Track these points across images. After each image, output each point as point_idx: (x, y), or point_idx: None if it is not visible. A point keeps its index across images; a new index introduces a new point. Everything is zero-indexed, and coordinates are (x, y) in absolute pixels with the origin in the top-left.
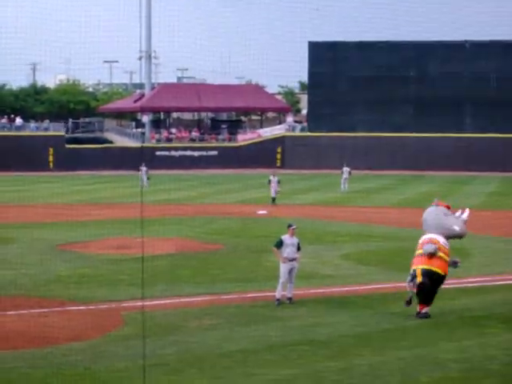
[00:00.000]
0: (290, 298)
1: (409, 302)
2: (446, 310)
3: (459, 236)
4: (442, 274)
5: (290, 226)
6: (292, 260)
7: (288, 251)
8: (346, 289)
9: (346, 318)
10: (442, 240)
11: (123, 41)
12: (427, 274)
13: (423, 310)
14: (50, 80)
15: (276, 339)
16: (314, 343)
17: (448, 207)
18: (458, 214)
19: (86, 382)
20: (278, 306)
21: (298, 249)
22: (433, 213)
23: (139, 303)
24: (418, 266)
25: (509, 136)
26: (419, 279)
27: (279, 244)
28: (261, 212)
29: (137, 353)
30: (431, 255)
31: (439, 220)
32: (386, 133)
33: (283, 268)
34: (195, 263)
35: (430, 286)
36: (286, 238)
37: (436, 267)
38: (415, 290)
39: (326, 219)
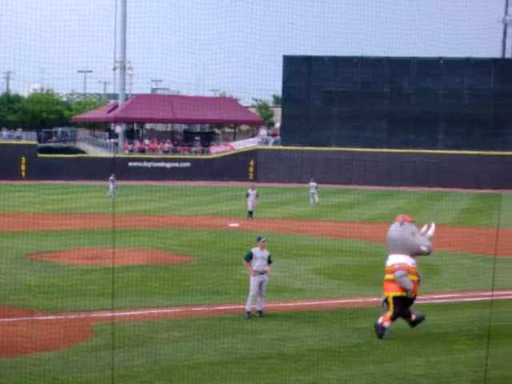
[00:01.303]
0: (260, 311)
1: (381, 335)
2: (416, 326)
3: (426, 254)
4: (413, 296)
5: (259, 238)
6: (262, 273)
7: (258, 264)
8: (317, 303)
9: (315, 332)
10: (410, 261)
11: (98, 51)
12: (400, 301)
13: (385, 324)
14: (23, 89)
15: (245, 352)
16: (283, 357)
17: (412, 221)
18: (423, 229)
19: None
20: (248, 318)
21: (269, 262)
22: (399, 232)
23: (109, 314)
24: (390, 292)
25: (482, 153)
26: (391, 309)
27: (249, 257)
28: (232, 225)
29: (106, 364)
30: None
31: (406, 240)
32: (359, 148)
33: (253, 281)
34: (166, 275)
35: (401, 313)
36: (256, 250)
37: (405, 291)
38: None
39: (297, 233)
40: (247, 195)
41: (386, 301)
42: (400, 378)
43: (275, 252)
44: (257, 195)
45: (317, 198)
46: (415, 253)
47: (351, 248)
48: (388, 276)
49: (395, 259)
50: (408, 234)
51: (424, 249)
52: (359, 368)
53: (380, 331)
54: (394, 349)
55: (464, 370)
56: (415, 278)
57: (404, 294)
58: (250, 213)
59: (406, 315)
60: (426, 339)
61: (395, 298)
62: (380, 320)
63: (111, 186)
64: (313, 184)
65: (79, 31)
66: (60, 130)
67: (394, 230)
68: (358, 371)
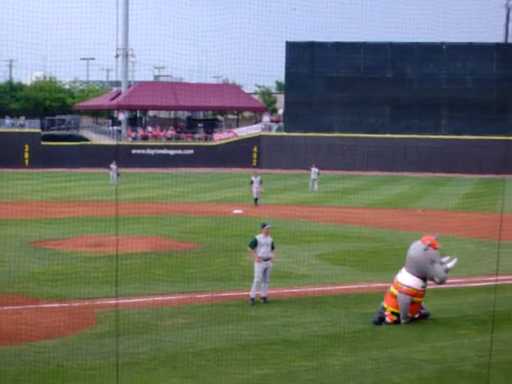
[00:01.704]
0: (264, 298)
1: (378, 323)
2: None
3: (438, 283)
4: (415, 314)
5: (264, 225)
6: (266, 259)
7: (262, 251)
8: (321, 289)
9: (319, 317)
10: (420, 284)
11: (100, 38)
12: (398, 316)
13: (387, 319)
14: (26, 77)
15: (250, 338)
16: (287, 343)
17: (437, 247)
18: (445, 259)
19: (59, 380)
20: (252, 305)
21: (272, 248)
22: (420, 256)
23: (113, 301)
24: (389, 307)
25: (485, 138)
26: (392, 317)
27: (254, 244)
28: (236, 211)
29: (110, 351)
30: None
31: (423, 265)
32: (362, 134)
33: (258, 267)
34: (170, 262)
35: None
36: (260, 237)
37: (410, 312)
38: (388, 320)
39: (301, 219)
40: (251, 182)
41: (384, 308)
42: (404, 363)
43: (279, 238)
44: (261, 182)
45: (316, 186)
46: (428, 278)
47: (355, 234)
48: (393, 290)
49: (406, 279)
50: (428, 261)
51: (437, 280)
52: (363, 353)
53: (379, 320)
54: (399, 334)
55: (468, 355)
56: (420, 299)
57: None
58: (256, 200)
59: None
60: (430, 324)
61: (393, 313)
62: (387, 313)
63: (111, 173)
64: (315, 170)
65: (81, 18)
66: (68, 117)
67: (417, 252)
68: (362, 357)
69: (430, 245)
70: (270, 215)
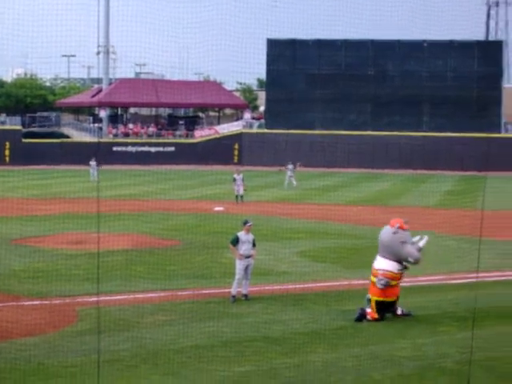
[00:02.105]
0: (245, 295)
1: (359, 320)
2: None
3: (413, 264)
4: (395, 299)
5: (245, 222)
6: (248, 257)
7: (244, 248)
8: (302, 286)
9: (300, 314)
10: (395, 268)
11: (81, 35)
12: (382, 306)
13: (368, 317)
14: (7, 74)
15: (231, 335)
16: (268, 340)
17: (406, 228)
18: (416, 238)
19: (40, 377)
20: (234, 302)
21: (254, 245)
22: (390, 238)
23: (94, 299)
24: (373, 296)
25: (466, 135)
26: (373, 313)
27: (235, 241)
28: (217, 208)
29: (91, 348)
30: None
31: (395, 248)
32: (344, 131)
33: (239, 265)
34: (151, 259)
35: (383, 316)
36: (241, 234)
37: (390, 297)
38: (369, 317)
39: (282, 216)
40: (234, 180)
41: (369, 302)
42: (386, 360)
43: (260, 236)
44: (243, 179)
45: (294, 182)
46: (402, 260)
47: (336, 231)
48: (372, 278)
49: (381, 264)
50: (398, 243)
51: (411, 260)
52: (345, 350)
53: (360, 317)
54: (380, 331)
55: (449, 352)
56: (397, 282)
57: (386, 298)
58: (238, 197)
59: (392, 311)
60: (411, 321)
61: (377, 303)
62: (368, 311)
63: (91, 170)
64: (290, 166)
65: (62, 15)
66: (49, 114)
67: (387, 235)
68: (343, 354)
69: (398, 227)
70: (251, 212)
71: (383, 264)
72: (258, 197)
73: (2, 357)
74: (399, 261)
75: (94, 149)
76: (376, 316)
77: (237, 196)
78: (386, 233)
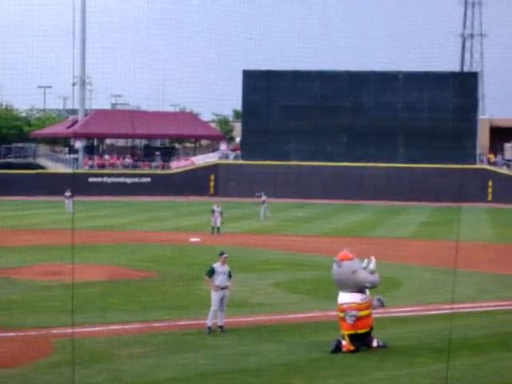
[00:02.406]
0: (221, 326)
1: (335, 352)
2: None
3: (372, 288)
4: (369, 328)
5: (221, 254)
6: (223, 288)
7: (219, 279)
8: (277, 317)
9: (276, 346)
10: (359, 297)
11: (57, 66)
12: (356, 338)
13: (344, 349)
14: None
15: (207, 367)
16: (244, 371)
17: (351, 258)
18: (364, 264)
19: None
20: (209, 334)
21: (229, 276)
22: (338, 273)
23: (69, 330)
24: (345, 331)
25: (441, 166)
26: (348, 344)
27: (211, 272)
28: (193, 239)
29: (66, 380)
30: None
31: (348, 280)
32: (319, 162)
33: (214, 296)
34: (127, 290)
35: (359, 347)
36: (217, 266)
37: (362, 328)
38: (345, 350)
39: (258, 247)
40: (212, 211)
41: (343, 338)
42: None
43: (236, 267)
44: (221, 212)
45: (267, 212)
46: (361, 288)
47: (311, 262)
48: (340, 314)
49: (344, 298)
50: (348, 274)
51: (368, 285)
52: (321, 382)
53: (336, 349)
54: (356, 363)
55: (425, 383)
56: (367, 312)
57: (358, 331)
58: (215, 228)
59: (367, 343)
60: (386, 353)
61: (350, 336)
62: (344, 343)
63: (66, 201)
64: (264, 198)
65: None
66: (25, 145)
67: (335, 271)
68: None
69: (341, 259)
70: (227, 243)
71: (346, 298)
72: (233, 228)
73: None
74: (360, 290)
75: (69, 180)
76: (351, 348)
77: (213, 228)
78: (334, 270)
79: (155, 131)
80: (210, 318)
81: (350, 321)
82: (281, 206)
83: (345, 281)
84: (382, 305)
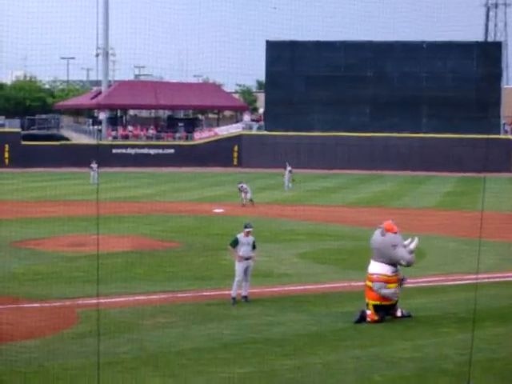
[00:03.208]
0: (245, 297)
1: (359, 322)
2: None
3: (406, 266)
4: (394, 302)
5: (245, 226)
6: (247, 259)
7: (243, 250)
8: (302, 287)
9: (300, 316)
10: (390, 270)
11: (80, 37)
12: (379, 309)
13: (368, 319)
14: (6, 76)
15: (231, 337)
16: (268, 341)
17: (395, 231)
18: (407, 242)
19: (40, 380)
20: (234, 304)
21: (254, 247)
22: (380, 242)
23: (94, 301)
24: (370, 300)
25: (465, 136)
26: (373, 314)
27: (235, 242)
28: (217, 210)
29: (91, 351)
30: None
31: (387, 251)
32: (343, 132)
33: (238, 266)
34: (151, 261)
35: (383, 318)
36: (241, 236)
37: (387, 300)
38: (369, 319)
39: (282, 218)
40: (240, 190)
41: (367, 307)
42: (386, 362)
43: (260, 237)
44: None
45: (290, 184)
46: (395, 263)
47: (336, 232)
48: (367, 283)
49: (375, 268)
50: (389, 246)
51: (403, 263)
52: (345, 352)
53: (360, 319)
54: (380, 333)
55: (449, 353)
56: (395, 285)
57: (383, 302)
58: (245, 200)
59: (391, 313)
60: (411, 323)
61: (375, 306)
62: (368, 313)
63: (92, 173)
64: (288, 168)
65: (62, 18)
66: (49, 117)
67: (376, 239)
68: (343, 355)
69: (386, 230)
70: (251, 214)
71: (376, 268)
72: (258, 199)
73: (2, 359)
74: (392, 264)
75: (93, 151)
76: (376, 318)
77: (244, 200)
78: (376, 237)
79: (178, 102)
80: (234, 289)
81: (381, 293)
82: (305, 176)
83: (383, 251)
84: (402, 283)
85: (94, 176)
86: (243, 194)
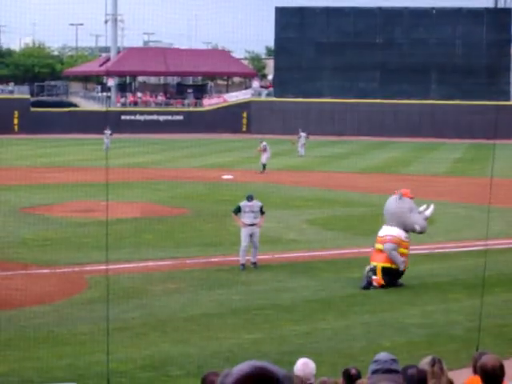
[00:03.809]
0: (254, 263)
1: (367, 287)
2: (410, 276)
3: (418, 233)
4: (400, 270)
5: (248, 198)
6: (251, 225)
7: (246, 216)
8: (311, 254)
9: (310, 282)
10: (403, 235)
11: (89, 4)
12: (388, 272)
13: (375, 283)
14: (15, 43)
15: (240, 303)
16: (278, 307)
17: (412, 197)
18: (422, 208)
19: (49, 345)
20: (243, 270)
21: (262, 213)
22: (396, 206)
23: (103, 267)
24: (379, 263)
25: (475, 103)
26: (380, 279)
27: (237, 210)
28: (226, 177)
29: (100, 316)
30: None
31: (402, 215)
32: (353, 99)
33: (243, 232)
34: (160, 227)
35: (390, 282)
36: (243, 203)
37: (396, 265)
38: (375, 284)
39: (291, 184)
40: (264, 150)
41: (372, 270)
42: (395, 328)
43: (269, 203)
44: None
45: (303, 150)
46: (409, 229)
47: (345, 199)
48: (378, 245)
49: (388, 230)
50: (405, 210)
51: (417, 228)
52: (354, 318)
53: (367, 285)
54: (389, 299)
55: (458, 319)
56: (407, 251)
57: (393, 266)
58: (262, 165)
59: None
60: (420, 289)
61: (384, 269)
62: (374, 278)
63: (105, 139)
64: (303, 134)
65: None
66: (57, 83)
67: (392, 203)
68: (353, 321)
69: (403, 194)
70: (260, 180)
71: (389, 231)
72: (267, 165)
73: (12, 324)
74: (405, 230)
75: (102, 117)
76: (382, 282)
77: (264, 165)
78: (392, 200)
79: (187, 68)
80: (241, 255)
81: (392, 254)
82: (314, 142)
83: (399, 214)
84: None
85: (106, 142)
86: (265, 154)
